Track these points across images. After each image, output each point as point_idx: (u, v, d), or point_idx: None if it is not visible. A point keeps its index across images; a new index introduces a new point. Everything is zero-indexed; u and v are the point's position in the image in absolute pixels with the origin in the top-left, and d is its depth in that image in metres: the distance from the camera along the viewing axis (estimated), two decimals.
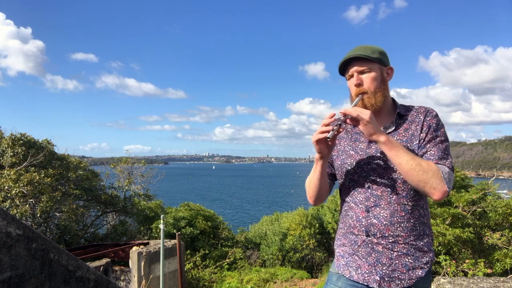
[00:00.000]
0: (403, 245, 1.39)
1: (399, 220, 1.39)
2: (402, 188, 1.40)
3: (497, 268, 6.19)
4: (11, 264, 1.20)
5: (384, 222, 1.40)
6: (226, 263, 8.25)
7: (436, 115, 1.44)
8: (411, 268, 1.39)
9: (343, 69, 1.52)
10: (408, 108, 1.51)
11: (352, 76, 1.49)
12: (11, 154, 7.51)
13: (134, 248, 5.54)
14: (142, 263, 5.28)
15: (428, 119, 1.43)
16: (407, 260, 1.39)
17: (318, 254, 9.69)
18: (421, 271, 1.40)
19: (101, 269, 5.71)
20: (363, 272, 1.44)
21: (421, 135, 1.41)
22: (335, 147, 1.59)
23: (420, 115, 1.45)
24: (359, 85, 1.46)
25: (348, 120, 1.37)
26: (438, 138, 1.40)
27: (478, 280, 2.35)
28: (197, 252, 8.38)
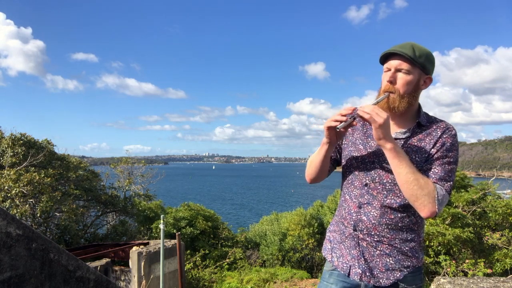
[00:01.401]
0: (386, 245, 1.42)
1: (387, 222, 1.41)
2: (398, 194, 1.40)
3: (497, 268, 6.20)
4: (11, 264, 1.20)
5: (373, 221, 1.42)
6: (226, 263, 8.26)
7: (454, 135, 1.41)
8: (390, 269, 1.42)
9: (385, 58, 1.47)
10: (430, 119, 1.47)
11: (389, 70, 1.44)
12: (11, 154, 7.51)
13: (134, 248, 5.54)
14: (142, 263, 5.27)
15: (445, 136, 1.40)
16: (388, 260, 1.42)
17: (318, 254, 9.70)
18: (399, 273, 1.42)
19: (101, 269, 5.71)
20: (343, 261, 1.50)
21: (432, 150, 1.39)
22: (347, 137, 1.59)
23: (438, 130, 1.42)
24: (391, 82, 1.42)
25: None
26: (447, 159, 1.37)
27: (478, 280, 2.35)
28: (197, 252, 8.38)
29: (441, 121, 1.46)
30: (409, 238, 1.43)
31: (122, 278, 5.76)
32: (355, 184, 1.50)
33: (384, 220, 1.41)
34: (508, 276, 4.63)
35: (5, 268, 1.17)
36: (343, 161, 1.60)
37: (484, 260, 5.84)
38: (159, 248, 5.31)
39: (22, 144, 7.88)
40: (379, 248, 1.42)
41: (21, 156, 7.60)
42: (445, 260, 5.58)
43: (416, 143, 1.42)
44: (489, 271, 5.45)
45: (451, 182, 1.37)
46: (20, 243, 1.23)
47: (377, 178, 1.44)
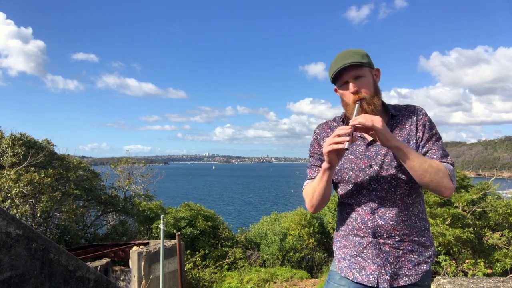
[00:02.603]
0: (408, 242, 1.43)
1: (403, 218, 1.43)
2: (404, 187, 1.43)
3: (497, 268, 6.20)
4: (11, 264, 1.20)
5: (391, 223, 1.42)
6: (226, 263, 8.25)
7: (426, 113, 1.49)
8: (416, 263, 1.43)
9: (335, 76, 1.49)
10: (397, 108, 1.54)
11: (345, 83, 1.47)
12: (11, 154, 7.52)
13: (134, 248, 5.54)
14: (142, 263, 5.28)
15: (420, 117, 1.48)
16: (412, 256, 1.43)
17: (318, 254, 9.69)
18: (425, 265, 1.44)
19: (101, 269, 5.71)
20: (367, 273, 1.44)
21: (418, 134, 1.46)
22: None
23: (412, 114, 1.49)
24: (357, 92, 1.45)
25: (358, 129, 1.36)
26: (434, 137, 1.46)
27: (478, 280, 2.35)
28: (197, 252, 8.37)
29: (408, 105, 1.54)
30: (422, 228, 1.46)
31: (122, 278, 5.77)
32: (362, 193, 1.47)
33: (400, 218, 1.42)
34: (508, 276, 4.63)
35: (5, 268, 1.17)
36: (336, 176, 1.56)
37: (484, 260, 5.84)
38: (159, 248, 5.31)
39: (22, 144, 7.88)
40: (401, 248, 1.42)
41: (21, 156, 7.60)
42: (445, 260, 5.58)
43: (399, 134, 1.48)
44: (489, 271, 5.45)
45: (450, 155, 1.44)
46: (20, 243, 1.23)
47: (381, 179, 1.44)
